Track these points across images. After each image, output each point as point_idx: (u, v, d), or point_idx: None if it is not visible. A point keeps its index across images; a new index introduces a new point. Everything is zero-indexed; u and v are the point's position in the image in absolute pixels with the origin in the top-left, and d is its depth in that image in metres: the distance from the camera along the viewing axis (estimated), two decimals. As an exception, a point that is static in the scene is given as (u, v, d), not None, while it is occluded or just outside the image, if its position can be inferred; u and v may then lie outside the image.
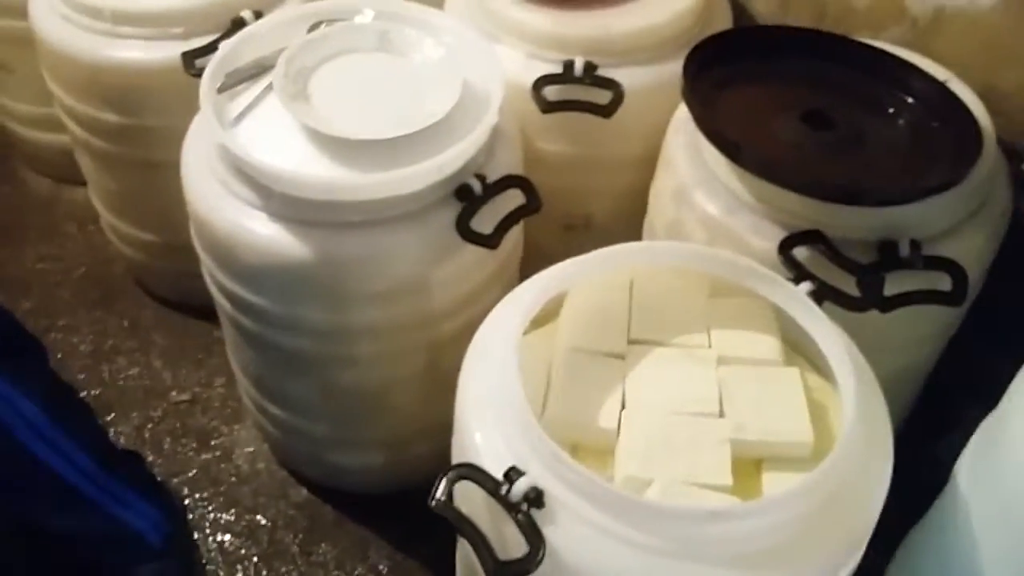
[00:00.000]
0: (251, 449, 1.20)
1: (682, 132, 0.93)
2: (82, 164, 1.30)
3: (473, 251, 0.87)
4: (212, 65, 0.92)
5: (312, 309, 0.89)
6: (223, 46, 0.94)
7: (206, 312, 1.12)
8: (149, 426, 1.22)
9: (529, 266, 1.01)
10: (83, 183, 1.36)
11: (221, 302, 0.98)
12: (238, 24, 1.08)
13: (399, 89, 0.91)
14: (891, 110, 0.90)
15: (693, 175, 0.89)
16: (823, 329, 0.70)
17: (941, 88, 0.87)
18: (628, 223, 1.08)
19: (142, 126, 1.14)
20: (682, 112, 0.95)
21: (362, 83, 0.92)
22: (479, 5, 1.07)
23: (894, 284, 0.77)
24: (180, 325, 1.35)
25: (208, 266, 0.97)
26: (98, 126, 1.17)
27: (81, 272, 1.44)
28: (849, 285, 0.77)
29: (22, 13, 1.22)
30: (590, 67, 1.00)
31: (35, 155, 1.59)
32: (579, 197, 1.11)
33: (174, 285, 1.34)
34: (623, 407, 0.70)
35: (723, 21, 1.09)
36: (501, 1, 1.05)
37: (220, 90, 0.92)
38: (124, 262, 1.41)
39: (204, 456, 1.19)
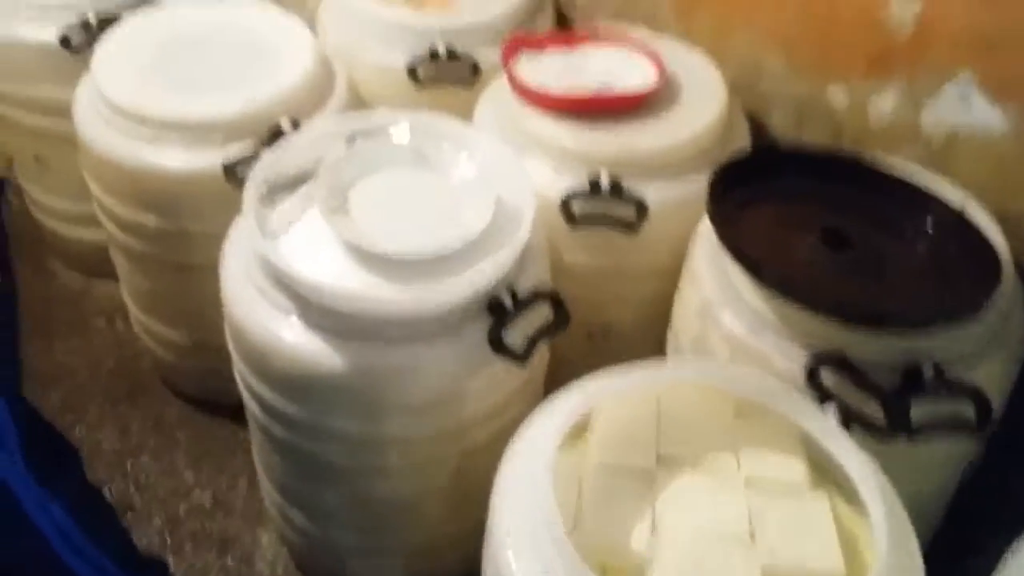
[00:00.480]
0: (272, 554, 1.20)
1: (706, 248, 0.96)
2: (116, 262, 1.34)
3: (503, 363, 0.89)
4: (255, 176, 0.95)
5: (344, 419, 0.91)
6: (265, 158, 0.98)
7: (230, 411, 1.13)
8: (171, 528, 1.22)
9: (551, 373, 1.04)
10: (113, 277, 1.39)
11: (252, 407, 1.00)
12: (276, 133, 1.13)
13: (435, 205, 0.95)
14: (909, 232, 0.92)
15: (718, 292, 0.92)
16: (851, 455, 0.72)
17: (958, 214, 0.90)
18: (649, 331, 1.11)
19: (180, 230, 1.17)
20: (706, 227, 0.98)
21: (399, 198, 0.96)
22: (508, 120, 1.12)
23: (919, 409, 0.79)
24: (204, 424, 1.36)
25: (241, 371, 0.99)
26: (136, 228, 1.20)
27: (108, 367, 1.46)
28: (875, 409, 0.79)
29: (62, 112, 1.27)
30: (616, 183, 1.03)
31: (67, 249, 1.62)
32: (601, 306, 1.14)
33: (200, 384, 1.36)
34: (654, 529, 0.71)
35: (741, 137, 1.13)
36: (529, 116, 1.09)
37: (261, 201, 0.95)
38: (151, 358, 1.42)
39: (225, 561, 1.19)
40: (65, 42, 1.31)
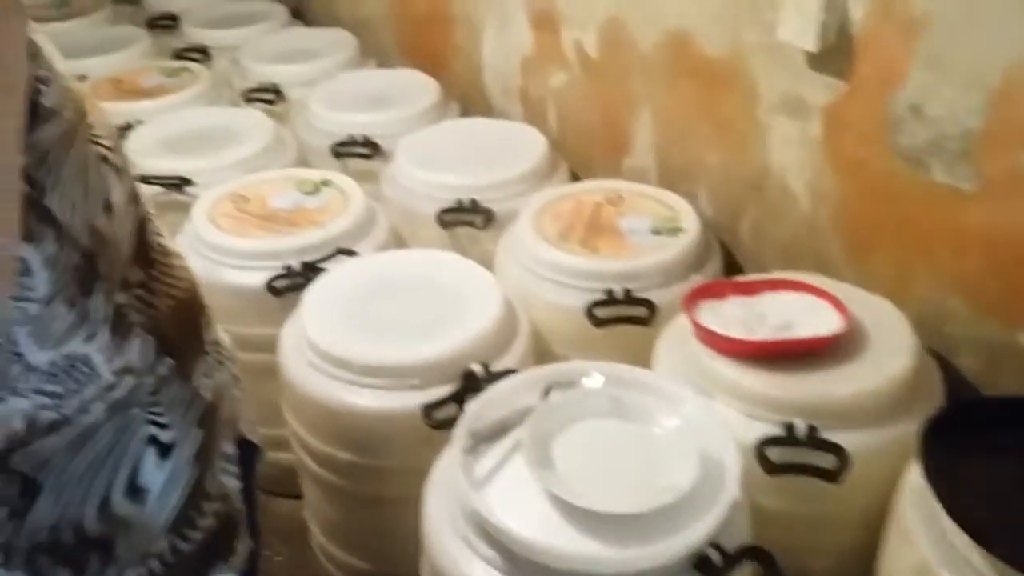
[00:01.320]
0: None
1: (918, 503, 0.94)
2: (305, 489, 1.40)
3: (713, 622, 0.88)
4: (460, 428, 1.00)
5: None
6: (468, 410, 1.03)
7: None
8: None
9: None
10: (292, 496, 1.44)
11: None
12: (469, 376, 1.20)
13: (637, 457, 0.97)
14: None
15: (936, 551, 0.89)
16: None
17: None
18: (850, 580, 1.07)
19: (375, 465, 1.23)
20: (915, 480, 0.95)
21: (602, 449, 0.98)
22: (692, 364, 1.15)
23: None
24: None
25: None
26: (331, 461, 1.27)
27: (285, 588, 1.49)
28: None
29: (261, 347, 1.38)
30: (812, 430, 1.04)
31: (249, 470, 1.70)
32: (797, 553, 1.10)
33: (378, 612, 1.37)
34: None
35: (933, 381, 1.12)
36: (715, 361, 1.12)
37: (467, 451, 1.00)
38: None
39: None
40: (271, 288, 1.44)
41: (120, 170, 0.71)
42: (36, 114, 0.61)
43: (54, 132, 0.63)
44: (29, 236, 0.61)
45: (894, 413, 1.05)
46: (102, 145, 0.69)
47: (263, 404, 1.44)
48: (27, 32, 0.60)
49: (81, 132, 0.66)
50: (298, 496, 1.47)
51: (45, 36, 0.66)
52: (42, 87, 0.62)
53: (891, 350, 1.10)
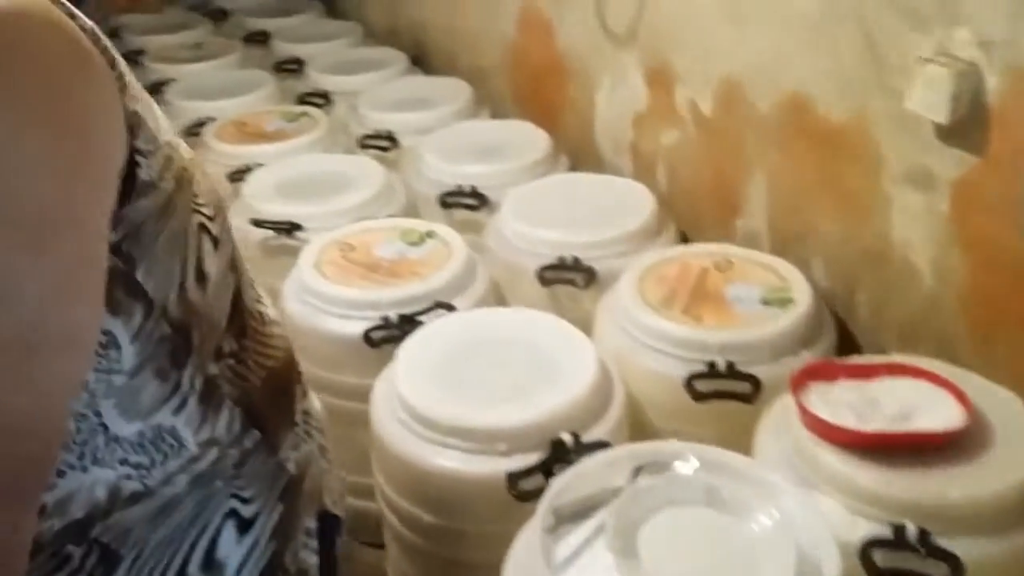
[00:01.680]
0: None
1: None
2: (388, 544, 1.38)
3: None
4: (543, 507, 0.97)
5: None
6: (553, 486, 0.99)
7: None
8: None
9: None
10: (378, 546, 1.43)
11: None
12: (558, 445, 1.16)
13: (728, 554, 0.91)
14: None
15: None
16: None
17: None
18: None
19: (457, 530, 1.21)
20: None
21: (691, 543, 0.92)
22: (796, 451, 1.08)
23: None
24: None
25: None
26: (413, 521, 1.25)
27: (366, 641, 1.48)
28: None
29: (353, 395, 1.39)
30: (924, 534, 0.95)
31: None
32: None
33: None
34: None
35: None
36: (821, 450, 1.05)
37: (548, 531, 0.96)
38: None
39: None
40: (368, 339, 1.44)
41: (219, 240, 0.71)
42: (132, 188, 0.61)
43: (150, 205, 0.63)
44: (116, 309, 0.61)
45: (1017, 522, 0.96)
46: (202, 214, 0.69)
47: (355, 452, 1.45)
48: (126, 105, 0.61)
49: (181, 202, 0.66)
50: (384, 546, 1.46)
51: (151, 102, 0.67)
52: (140, 160, 0.62)
53: (1017, 450, 1.01)
